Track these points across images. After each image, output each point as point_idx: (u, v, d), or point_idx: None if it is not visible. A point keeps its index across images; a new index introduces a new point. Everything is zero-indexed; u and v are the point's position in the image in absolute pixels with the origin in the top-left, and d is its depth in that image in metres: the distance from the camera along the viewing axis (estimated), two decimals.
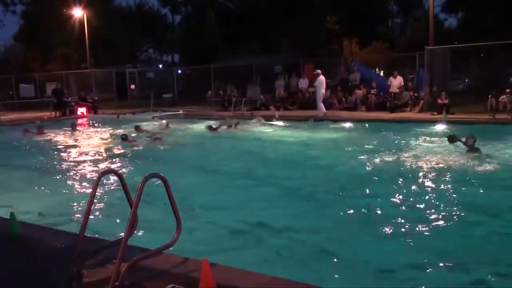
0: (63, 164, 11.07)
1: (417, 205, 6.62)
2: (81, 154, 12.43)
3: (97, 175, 8.44)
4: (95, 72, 31.19)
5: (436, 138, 12.61)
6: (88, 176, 9.46)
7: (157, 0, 51.83)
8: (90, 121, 21.58)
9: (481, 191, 7.29)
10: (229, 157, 11.23)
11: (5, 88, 31.83)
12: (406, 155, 10.31)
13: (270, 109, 22.03)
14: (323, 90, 19.34)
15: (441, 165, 9.05)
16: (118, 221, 6.15)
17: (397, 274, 4.47)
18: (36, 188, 8.54)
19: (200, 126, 16.88)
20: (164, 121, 17.90)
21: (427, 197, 7.05)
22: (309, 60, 26.32)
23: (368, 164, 9.65)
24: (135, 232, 4.12)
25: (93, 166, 10.55)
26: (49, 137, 15.81)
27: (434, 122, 15.70)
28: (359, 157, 10.30)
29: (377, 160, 9.95)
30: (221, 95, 25.61)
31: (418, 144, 11.82)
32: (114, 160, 11.31)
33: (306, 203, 7.02)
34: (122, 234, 3.54)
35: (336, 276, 4.47)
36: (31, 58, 41.95)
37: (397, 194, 7.20)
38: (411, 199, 6.95)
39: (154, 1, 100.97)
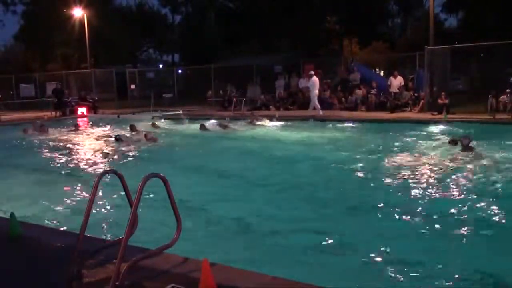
0: (63, 164, 11.07)
1: (417, 205, 6.62)
2: (81, 154, 12.44)
3: (97, 175, 8.48)
4: (95, 72, 31.19)
5: (436, 138, 12.61)
6: (88, 176, 9.45)
7: (157, 0, 51.80)
8: (91, 121, 21.57)
9: (473, 190, 7.30)
10: (228, 157, 11.24)
11: (5, 88, 31.83)
12: (406, 155, 10.31)
13: (270, 109, 22.04)
14: (317, 91, 19.37)
15: (439, 165, 9.06)
16: (118, 221, 6.15)
17: (397, 274, 4.47)
18: (36, 188, 8.54)
19: (196, 126, 16.91)
20: (149, 123, 17.84)
21: (426, 197, 7.05)
22: (309, 60, 26.32)
23: (368, 164, 9.64)
24: (135, 232, 4.12)
25: (93, 166, 10.55)
26: (49, 137, 15.81)
27: (434, 122, 15.70)
28: (359, 157, 10.30)
29: (377, 160, 9.95)
30: (221, 95, 25.61)
31: (418, 144, 11.81)
32: (110, 160, 11.32)
33: (306, 202, 7.02)
34: (122, 234, 3.53)
35: (336, 276, 4.47)
36: (31, 58, 41.94)
37: (397, 194, 7.20)
38: (411, 199, 6.95)
39: (154, 1, 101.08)
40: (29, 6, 43.42)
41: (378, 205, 6.61)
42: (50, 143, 14.59)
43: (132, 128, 15.73)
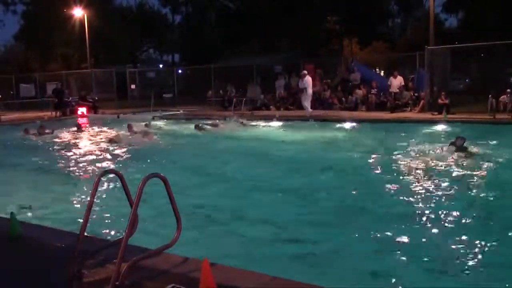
0: (63, 163, 11.07)
1: (416, 205, 6.63)
2: (81, 154, 12.44)
3: (96, 174, 8.48)
4: (96, 72, 31.19)
5: (436, 138, 12.61)
6: (88, 175, 9.46)
7: (158, 0, 51.82)
8: (91, 121, 21.57)
9: (471, 190, 7.33)
10: (228, 157, 11.23)
11: (5, 88, 31.84)
12: (405, 155, 10.32)
13: (271, 109, 22.04)
14: (310, 91, 19.40)
15: (439, 165, 9.07)
16: (118, 221, 6.15)
17: (397, 274, 4.47)
18: (36, 187, 8.54)
19: (191, 126, 16.98)
20: (142, 123, 17.87)
21: (425, 196, 7.05)
22: (309, 60, 26.31)
23: (368, 164, 9.66)
24: (136, 232, 4.11)
25: (93, 166, 10.56)
26: (50, 137, 15.81)
27: (434, 122, 15.71)
28: (359, 157, 10.31)
29: (376, 160, 9.96)
30: (221, 95, 25.61)
31: (417, 144, 11.80)
32: (110, 160, 11.33)
33: (306, 202, 7.02)
34: (122, 234, 3.53)
35: (336, 276, 4.47)
36: (31, 58, 41.96)
37: (397, 194, 7.20)
38: (411, 198, 6.96)
39: (154, 1, 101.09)
40: (29, 6, 43.44)
41: (378, 205, 6.61)
42: (50, 143, 14.60)
43: (130, 127, 15.79)
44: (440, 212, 6.22)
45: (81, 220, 3.87)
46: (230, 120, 18.13)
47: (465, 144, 10.32)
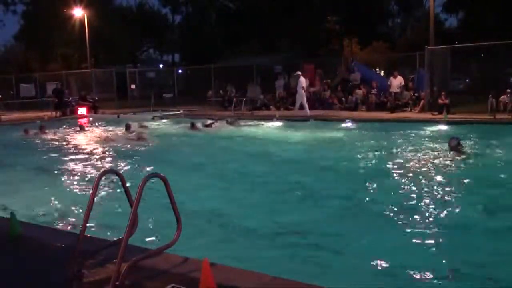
0: (63, 164, 11.06)
1: (415, 204, 6.64)
2: (81, 153, 12.43)
3: (96, 174, 8.46)
4: (96, 72, 31.19)
5: (436, 138, 12.60)
6: (88, 175, 9.45)
7: (158, 0, 51.84)
8: (91, 121, 21.57)
9: (466, 190, 7.36)
10: (228, 157, 11.23)
11: (5, 88, 31.84)
12: (405, 155, 10.32)
13: (271, 109, 22.04)
14: (302, 91, 19.49)
15: (432, 165, 9.09)
16: (118, 221, 6.14)
17: (397, 274, 4.47)
18: (36, 187, 8.54)
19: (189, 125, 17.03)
20: (135, 123, 17.89)
21: (424, 196, 7.05)
22: (309, 60, 26.30)
23: (368, 164, 9.66)
24: (136, 232, 4.11)
25: (93, 166, 10.56)
26: (50, 137, 15.82)
27: (434, 122, 15.70)
28: (359, 157, 10.31)
29: (376, 160, 9.96)
30: (221, 95, 25.60)
31: (417, 144, 11.81)
32: (110, 160, 11.33)
33: (306, 202, 7.02)
34: (123, 233, 3.53)
35: (336, 276, 4.47)
36: (31, 58, 41.97)
37: (396, 194, 7.20)
38: (411, 198, 6.96)
39: (154, 1, 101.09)
40: (29, 6, 43.43)
41: (378, 205, 6.61)
42: (51, 143, 14.60)
43: (127, 127, 15.83)
44: (436, 212, 6.24)
45: (81, 220, 3.87)
46: (224, 120, 18.19)
47: (463, 144, 10.34)
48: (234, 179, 8.77)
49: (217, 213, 6.53)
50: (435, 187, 7.53)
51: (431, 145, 11.45)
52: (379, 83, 21.33)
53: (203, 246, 5.21)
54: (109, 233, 5.52)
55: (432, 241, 5.28)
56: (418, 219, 5.97)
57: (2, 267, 4.12)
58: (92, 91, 28.36)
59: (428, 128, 14.69)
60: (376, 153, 10.76)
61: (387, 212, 6.30)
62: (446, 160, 9.53)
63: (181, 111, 23.36)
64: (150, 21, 45.78)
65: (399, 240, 5.35)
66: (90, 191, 3.93)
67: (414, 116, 17.45)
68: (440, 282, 4.36)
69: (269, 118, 18.46)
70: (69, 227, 5.52)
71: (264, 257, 4.97)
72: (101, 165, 10.61)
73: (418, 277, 4.40)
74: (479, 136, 12.25)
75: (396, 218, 6.02)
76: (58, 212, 6.80)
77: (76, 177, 9.43)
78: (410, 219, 5.98)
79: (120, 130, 16.36)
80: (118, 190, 7.24)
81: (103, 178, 4.19)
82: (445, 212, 6.26)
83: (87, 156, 12.01)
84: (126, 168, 10.03)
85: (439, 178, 8.16)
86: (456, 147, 9.96)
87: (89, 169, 10.32)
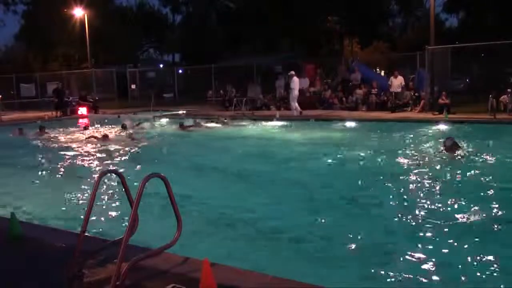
0: (64, 163, 11.07)
1: (415, 204, 6.64)
2: (81, 153, 12.43)
3: (94, 174, 8.48)
4: (96, 71, 31.21)
5: (436, 138, 12.60)
6: (89, 175, 9.45)
7: (158, 0, 51.86)
8: (91, 121, 21.56)
9: (463, 190, 7.34)
10: (228, 156, 11.24)
11: (6, 87, 31.83)
12: (405, 155, 10.31)
13: (271, 109, 22.04)
14: (297, 92, 19.59)
15: (439, 165, 9.07)
16: (118, 220, 6.15)
17: (397, 274, 4.47)
18: (36, 187, 8.54)
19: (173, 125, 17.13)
20: (129, 121, 17.91)
21: (424, 196, 7.05)
22: (309, 60, 26.31)
23: (368, 164, 9.66)
24: (136, 231, 4.12)
25: (93, 166, 10.56)
26: (50, 137, 15.83)
27: (435, 122, 15.69)
28: (359, 157, 10.30)
29: (377, 160, 9.96)
30: (221, 95, 25.61)
31: (418, 144, 11.81)
32: (111, 159, 11.33)
33: (306, 202, 7.01)
34: (123, 233, 3.53)
35: (337, 276, 4.47)
36: (32, 58, 41.95)
37: (395, 194, 7.20)
38: (411, 198, 6.96)
39: (154, 1, 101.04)
40: (29, 6, 43.45)
41: (378, 205, 6.62)
42: (51, 143, 14.61)
43: (124, 127, 15.92)
44: (436, 212, 6.23)
45: (82, 220, 3.87)
46: (219, 119, 18.30)
47: (460, 144, 10.34)
48: (234, 179, 8.77)
49: (218, 213, 6.53)
50: (434, 187, 7.53)
51: (432, 145, 11.44)
52: (379, 83, 21.33)
53: (203, 246, 5.21)
54: (109, 233, 5.52)
55: (432, 241, 5.28)
56: (419, 219, 5.97)
57: (2, 267, 4.13)
58: (93, 91, 28.38)
59: (428, 128, 14.69)
60: (376, 153, 10.76)
61: (387, 212, 6.30)
62: (446, 160, 9.52)
63: (181, 111, 23.34)
64: (151, 21, 45.87)
65: (400, 240, 5.35)
66: (90, 191, 3.93)
67: (414, 116, 17.45)
68: (440, 282, 4.35)
69: (269, 118, 18.47)
70: (70, 227, 5.51)
71: (264, 256, 4.97)
72: (97, 165, 10.63)
73: (418, 277, 4.41)
74: (480, 136, 12.24)
75: (396, 218, 6.02)
76: (58, 211, 6.79)
77: (77, 177, 9.42)
78: (410, 219, 5.97)
79: (118, 130, 16.41)
80: (118, 190, 7.25)
81: (104, 177, 4.18)
82: (445, 212, 6.25)
83: (85, 155, 12.02)
84: (126, 168, 10.03)
85: (439, 178, 8.15)
86: (451, 148, 9.94)
87: (87, 168, 10.33)
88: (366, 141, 12.66)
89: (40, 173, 9.96)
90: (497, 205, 6.38)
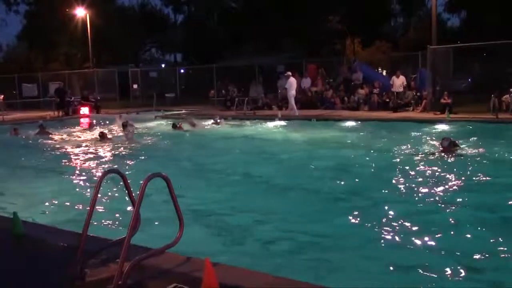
0: (66, 163, 11.09)
1: (415, 204, 6.64)
2: (82, 153, 12.45)
3: (93, 173, 8.49)
4: (98, 71, 31.26)
5: (438, 138, 12.58)
6: (91, 175, 9.47)
7: (160, 0, 51.90)
8: (94, 121, 21.59)
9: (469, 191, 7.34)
10: (228, 156, 11.24)
11: (8, 87, 31.89)
12: (406, 155, 10.31)
13: (273, 109, 22.04)
14: (293, 91, 19.71)
15: (439, 165, 9.06)
16: (120, 220, 6.16)
17: (398, 274, 4.47)
18: (38, 187, 8.55)
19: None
20: (129, 122, 17.93)
21: (424, 196, 7.05)
22: (311, 59, 26.28)
23: (369, 164, 9.65)
24: (138, 231, 4.12)
25: (94, 166, 10.58)
26: (51, 137, 15.85)
27: (437, 121, 15.67)
28: (360, 157, 10.30)
29: (378, 160, 9.95)
30: (223, 94, 25.61)
31: (419, 144, 11.79)
32: (112, 159, 11.35)
33: (307, 202, 7.02)
34: (125, 233, 3.53)
35: (337, 276, 4.47)
36: (34, 58, 42.00)
37: (395, 194, 7.20)
38: (411, 198, 6.96)
39: (156, 0, 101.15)
40: (31, 6, 43.51)
41: (378, 205, 6.61)
42: (52, 143, 14.63)
43: (124, 126, 15.97)
44: (435, 212, 6.25)
45: (84, 220, 3.87)
46: (215, 119, 18.35)
47: (459, 144, 10.34)
48: (235, 179, 8.78)
49: (219, 213, 6.54)
50: (435, 187, 7.52)
51: (433, 145, 11.42)
52: (381, 82, 21.31)
53: (205, 246, 5.21)
54: (112, 233, 5.52)
55: (432, 241, 5.28)
56: (420, 219, 5.96)
57: (5, 267, 4.13)
58: (95, 91, 28.42)
59: (430, 128, 14.67)
60: (376, 153, 10.75)
61: (387, 213, 6.30)
62: (446, 160, 9.52)
63: (183, 111, 23.36)
64: (153, 20, 45.84)
65: (400, 240, 5.34)
66: (92, 191, 3.94)
67: (416, 116, 17.43)
68: (440, 282, 4.35)
69: (271, 118, 18.46)
70: (72, 227, 5.51)
71: (266, 256, 4.97)
72: (99, 164, 10.65)
73: (418, 277, 4.41)
74: (482, 136, 12.22)
75: (396, 218, 6.02)
76: (61, 211, 6.80)
77: (79, 177, 9.44)
78: (411, 219, 5.97)
79: (119, 130, 16.44)
80: (121, 190, 7.26)
81: (106, 177, 4.18)
82: (444, 212, 6.25)
83: (87, 155, 12.05)
84: (126, 167, 10.04)
85: (439, 178, 8.14)
86: (448, 148, 9.94)
87: (89, 168, 10.34)
88: (367, 141, 12.66)
89: (42, 172, 9.98)
90: (497, 205, 6.38)
